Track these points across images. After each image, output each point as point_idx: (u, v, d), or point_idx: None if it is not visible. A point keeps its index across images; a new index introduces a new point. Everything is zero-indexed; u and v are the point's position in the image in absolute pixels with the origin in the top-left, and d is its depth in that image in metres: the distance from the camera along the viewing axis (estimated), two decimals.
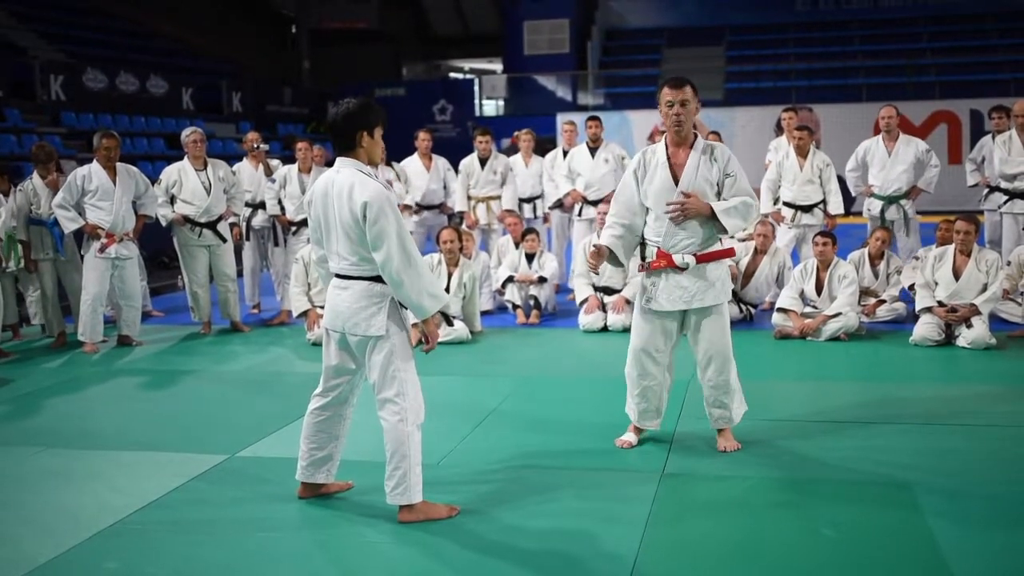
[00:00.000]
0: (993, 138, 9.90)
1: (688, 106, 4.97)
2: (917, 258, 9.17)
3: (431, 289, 4.27)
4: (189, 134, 9.16)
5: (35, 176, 8.88)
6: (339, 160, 4.34)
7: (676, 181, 5.04)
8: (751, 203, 5.04)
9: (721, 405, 5.31)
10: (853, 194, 10.08)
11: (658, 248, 5.07)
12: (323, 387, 4.53)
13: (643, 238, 5.19)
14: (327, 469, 4.61)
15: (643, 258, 5.18)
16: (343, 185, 4.21)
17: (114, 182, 8.44)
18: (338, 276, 4.37)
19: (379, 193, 4.18)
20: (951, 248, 8.05)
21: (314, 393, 4.58)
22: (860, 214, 10.53)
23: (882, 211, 9.62)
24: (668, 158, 5.08)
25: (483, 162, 10.58)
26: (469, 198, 10.59)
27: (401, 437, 4.26)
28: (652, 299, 5.12)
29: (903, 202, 9.58)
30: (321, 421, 4.54)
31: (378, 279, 4.26)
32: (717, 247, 5.15)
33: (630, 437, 5.42)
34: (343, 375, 4.49)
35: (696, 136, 5.12)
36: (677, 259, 5.02)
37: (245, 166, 10.26)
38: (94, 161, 8.49)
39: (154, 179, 9.25)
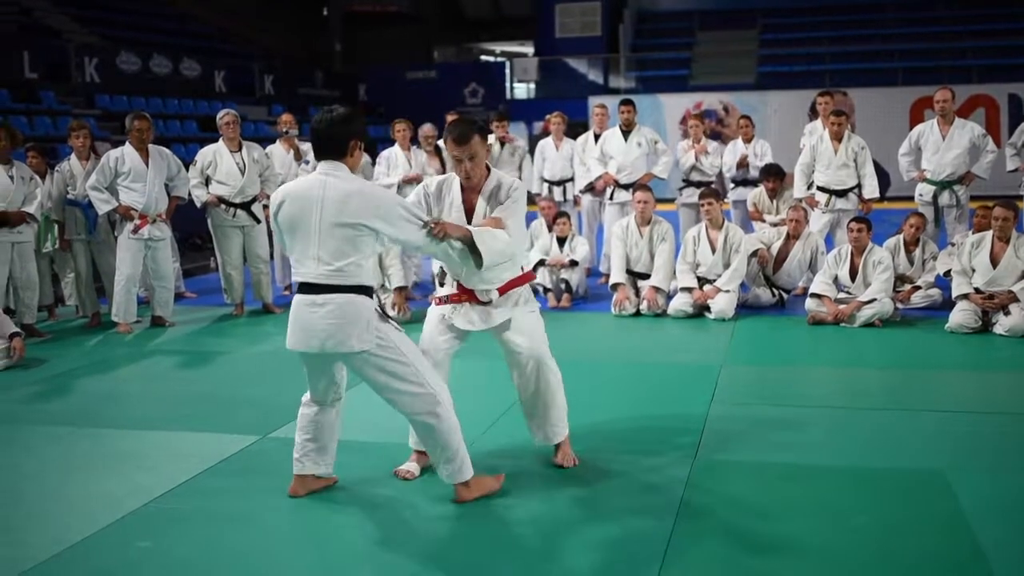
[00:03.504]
0: None
1: (477, 158, 4.52)
2: (953, 244, 9.06)
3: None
4: (223, 116, 9.20)
5: (72, 158, 8.95)
6: (326, 164, 4.18)
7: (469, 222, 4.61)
8: (499, 237, 4.41)
9: (532, 416, 4.88)
10: (905, 179, 9.93)
11: (457, 282, 4.66)
12: (311, 390, 4.43)
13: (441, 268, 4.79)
14: (326, 461, 4.54)
15: (440, 284, 4.89)
16: (343, 189, 4.09)
17: (147, 164, 8.49)
18: (309, 289, 4.12)
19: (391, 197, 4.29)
20: (989, 234, 7.94)
21: (304, 397, 4.49)
22: (897, 199, 10.40)
23: (935, 196, 9.49)
24: (463, 200, 4.63)
25: (501, 145, 10.53)
26: None
27: (448, 432, 4.24)
28: (451, 319, 4.70)
29: (956, 187, 9.44)
30: (315, 414, 4.46)
31: (358, 290, 4.11)
32: (517, 274, 4.73)
33: (411, 466, 4.80)
34: (327, 379, 4.38)
35: (489, 172, 4.65)
36: (480, 294, 4.63)
37: (277, 149, 10.28)
38: (127, 143, 8.55)
39: (187, 161, 9.30)
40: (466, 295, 4.65)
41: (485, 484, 4.41)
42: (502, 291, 4.65)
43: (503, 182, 4.64)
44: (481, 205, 4.62)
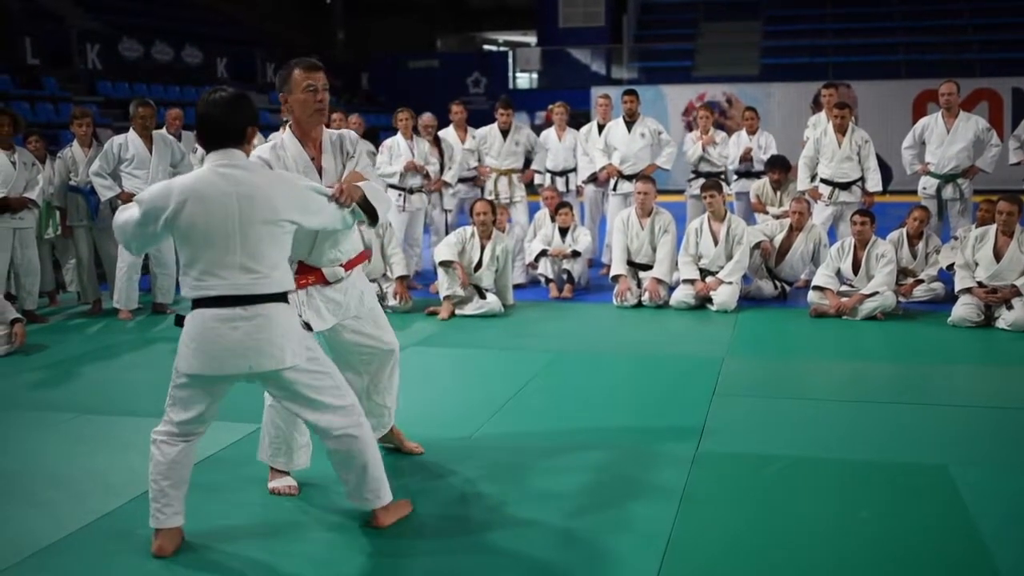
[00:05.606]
0: None
1: (328, 90, 4.24)
2: (956, 238, 9.05)
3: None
4: None
5: (75, 144, 8.93)
6: (222, 154, 3.61)
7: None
8: (379, 188, 4.17)
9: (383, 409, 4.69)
10: (908, 172, 9.93)
11: (300, 262, 4.18)
12: (193, 421, 3.91)
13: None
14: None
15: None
16: (257, 182, 3.61)
17: (150, 151, 8.49)
18: (226, 302, 3.57)
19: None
20: (992, 228, 7.92)
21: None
22: (899, 192, 10.38)
23: (938, 190, 9.48)
24: (311, 159, 4.24)
25: (504, 133, 10.48)
26: (490, 169, 10.49)
27: (367, 446, 3.84)
28: (305, 320, 4.09)
29: (960, 181, 9.44)
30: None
31: (281, 297, 3.66)
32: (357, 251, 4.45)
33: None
34: (217, 404, 3.91)
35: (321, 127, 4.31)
36: (327, 273, 4.25)
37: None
38: (130, 130, 8.54)
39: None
40: (314, 275, 4.23)
41: (401, 507, 4.07)
42: (347, 267, 4.32)
43: (342, 133, 4.35)
44: (329, 163, 4.25)
